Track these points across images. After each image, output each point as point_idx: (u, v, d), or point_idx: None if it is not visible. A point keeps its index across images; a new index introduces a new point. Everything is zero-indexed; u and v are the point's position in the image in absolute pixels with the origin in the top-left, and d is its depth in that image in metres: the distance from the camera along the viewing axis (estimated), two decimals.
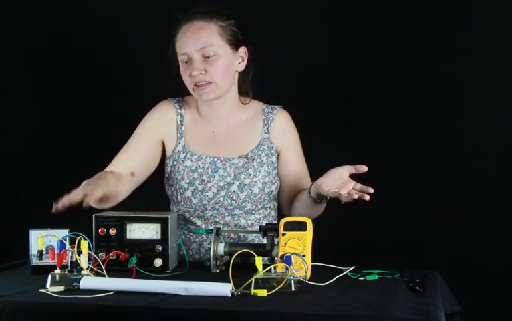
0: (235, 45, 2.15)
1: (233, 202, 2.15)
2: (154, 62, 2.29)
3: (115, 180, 2.07)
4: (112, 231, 1.93)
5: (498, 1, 2.83)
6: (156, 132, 2.22)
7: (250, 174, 2.16)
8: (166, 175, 2.24)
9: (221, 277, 1.69)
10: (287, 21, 2.95)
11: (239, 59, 2.17)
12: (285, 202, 2.26)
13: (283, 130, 2.24)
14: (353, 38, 2.94)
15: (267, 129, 2.21)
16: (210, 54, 2.09)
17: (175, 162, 2.20)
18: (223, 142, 2.20)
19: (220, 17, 2.13)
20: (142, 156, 2.20)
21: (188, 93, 2.20)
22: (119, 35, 3.08)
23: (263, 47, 2.23)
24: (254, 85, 2.24)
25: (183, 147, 2.20)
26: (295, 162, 2.24)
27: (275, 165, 2.21)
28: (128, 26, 3.06)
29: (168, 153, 2.22)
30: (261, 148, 2.19)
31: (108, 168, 2.16)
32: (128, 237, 1.93)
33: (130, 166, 2.17)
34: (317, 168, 2.57)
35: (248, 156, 2.17)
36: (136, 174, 2.18)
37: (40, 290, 1.64)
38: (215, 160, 2.16)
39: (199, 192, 2.15)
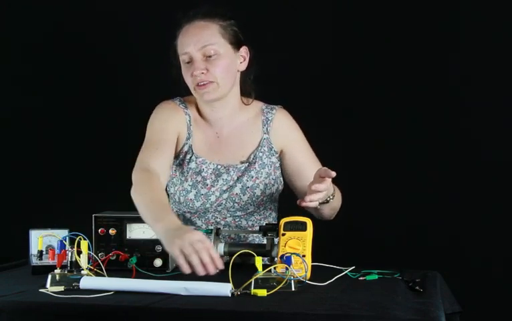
0: (236, 45, 2.13)
1: (236, 204, 2.14)
2: (155, 62, 2.29)
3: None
4: (112, 231, 1.92)
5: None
6: (173, 125, 2.14)
7: (252, 177, 2.15)
8: (170, 173, 2.21)
9: (221, 277, 1.69)
10: (287, 21, 2.95)
11: (241, 59, 2.15)
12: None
13: (283, 129, 2.21)
14: (353, 37, 2.94)
15: (267, 129, 2.19)
16: (211, 53, 2.07)
17: (180, 162, 2.16)
18: (227, 145, 2.17)
19: (221, 17, 2.11)
20: (171, 149, 2.11)
21: (190, 95, 2.19)
22: (120, 33, 3.07)
23: (263, 47, 2.23)
24: (255, 86, 2.22)
25: (189, 147, 2.16)
26: (303, 156, 2.20)
27: (277, 166, 2.19)
28: (128, 24, 3.06)
29: (176, 151, 2.17)
30: (262, 150, 2.17)
31: (149, 168, 1.99)
32: (127, 237, 1.93)
33: (168, 162, 2.08)
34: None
35: (250, 159, 2.16)
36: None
37: (40, 290, 1.64)
38: (219, 167, 2.15)
39: (202, 196, 2.13)
